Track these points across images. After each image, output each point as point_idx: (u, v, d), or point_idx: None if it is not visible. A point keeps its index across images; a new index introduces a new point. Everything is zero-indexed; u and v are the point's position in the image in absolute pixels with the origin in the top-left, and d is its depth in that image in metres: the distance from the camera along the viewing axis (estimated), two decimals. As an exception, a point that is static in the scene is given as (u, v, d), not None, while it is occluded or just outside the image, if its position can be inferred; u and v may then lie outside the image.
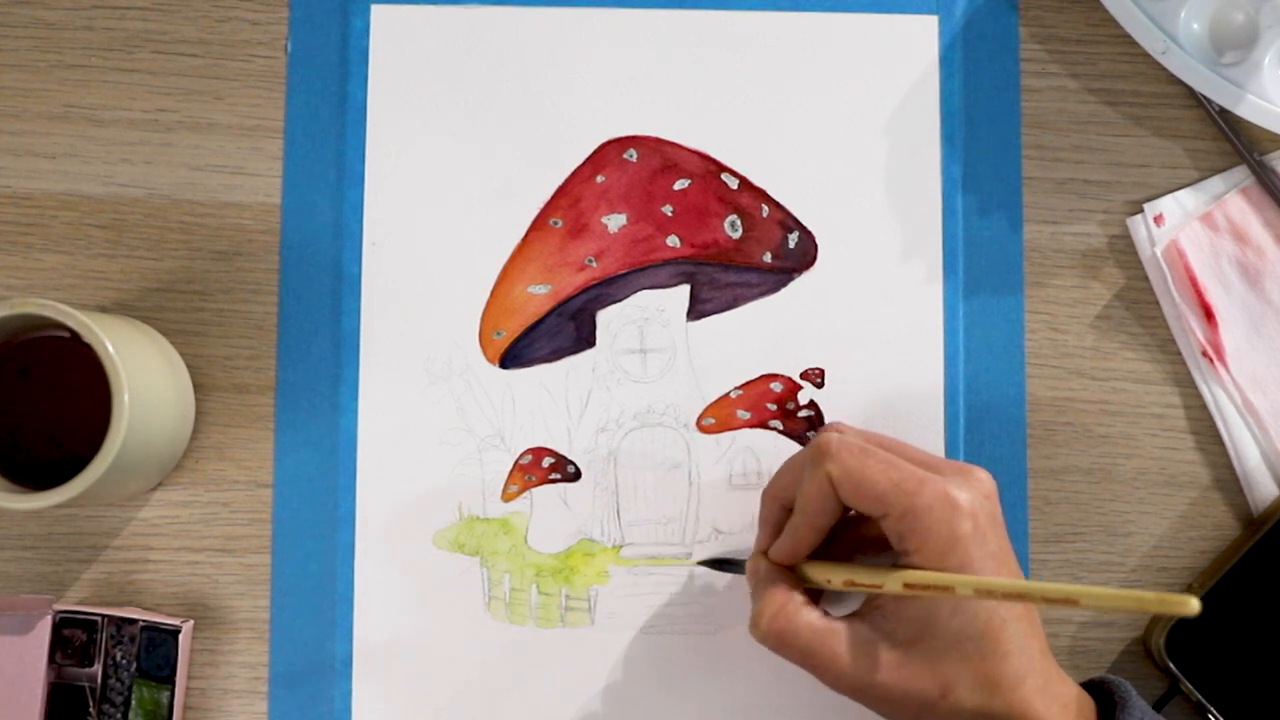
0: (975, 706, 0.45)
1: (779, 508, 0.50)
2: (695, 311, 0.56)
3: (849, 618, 0.48)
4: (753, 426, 0.55)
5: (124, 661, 0.53)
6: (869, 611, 0.47)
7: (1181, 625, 0.53)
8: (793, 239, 0.56)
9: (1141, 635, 0.55)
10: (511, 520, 0.55)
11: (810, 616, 0.47)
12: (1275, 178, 0.56)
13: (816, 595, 0.49)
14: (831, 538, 0.49)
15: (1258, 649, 0.53)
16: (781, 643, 0.47)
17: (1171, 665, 0.52)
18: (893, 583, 0.46)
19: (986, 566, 0.45)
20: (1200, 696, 0.52)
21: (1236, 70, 0.55)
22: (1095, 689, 0.48)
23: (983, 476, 0.47)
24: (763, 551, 0.50)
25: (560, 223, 0.56)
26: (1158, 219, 0.56)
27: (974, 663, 0.45)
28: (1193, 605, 0.39)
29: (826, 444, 0.47)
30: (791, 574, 0.49)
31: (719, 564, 0.54)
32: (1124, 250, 0.56)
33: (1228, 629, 0.53)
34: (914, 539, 0.45)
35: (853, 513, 0.48)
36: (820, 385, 0.55)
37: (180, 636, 0.53)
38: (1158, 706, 0.54)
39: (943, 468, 0.47)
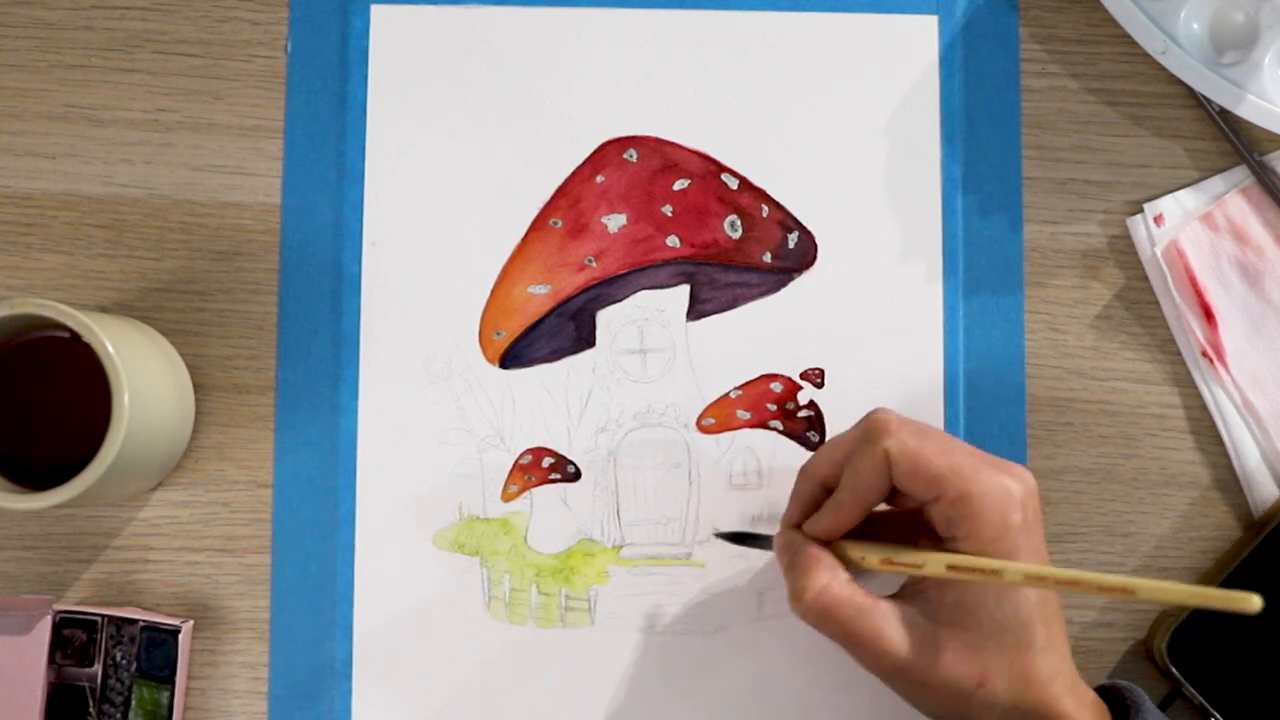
0: (1009, 699, 0.45)
1: (818, 485, 0.49)
2: (695, 311, 0.56)
3: (891, 598, 0.47)
4: (753, 426, 0.55)
5: (124, 661, 0.53)
6: (911, 595, 0.47)
7: (1184, 628, 0.53)
8: (793, 239, 0.56)
9: (1144, 637, 0.55)
10: (511, 520, 0.55)
11: (854, 593, 0.47)
12: (1275, 178, 0.56)
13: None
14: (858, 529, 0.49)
15: (1259, 652, 0.53)
16: (825, 618, 0.47)
17: (1173, 668, 0.52)
18: (935, 564, 0.45)
19: (1030, 559, 0.45)
20: (1202, 699, 0.52)
21: (1236, 70, 0.54)
22: (1107, 694, 0.48)
23: (1027, 474, 0.47)
24: (793, 526, 0.50)
25: (560, 223, 0.56)
26: (1158, 219, 0.56)
27: (1012, 655, 0.45)
28: (1255, 602, 0.39)
29: (886, 421, 0.46)
30: (829, 550, 0.48)
31: (740, 538, 0.53)
32: (1124, 250, 0.56)
33: (1229, 632, 0.53)
34: (966, 525, 0.45)
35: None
36: (820, 385, 0.55)
37: (180, 636, 0.53)
38: (1160, 709, 0.53)
39: (991, 460, 0.47)
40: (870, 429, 0.47)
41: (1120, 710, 0.47)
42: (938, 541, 0.47)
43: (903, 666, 0.46)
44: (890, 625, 0.46)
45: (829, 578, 0.47)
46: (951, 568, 0.45)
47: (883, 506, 0.49)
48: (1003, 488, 0.45)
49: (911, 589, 0.47)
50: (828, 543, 0.48)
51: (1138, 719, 0.46)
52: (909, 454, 0.46)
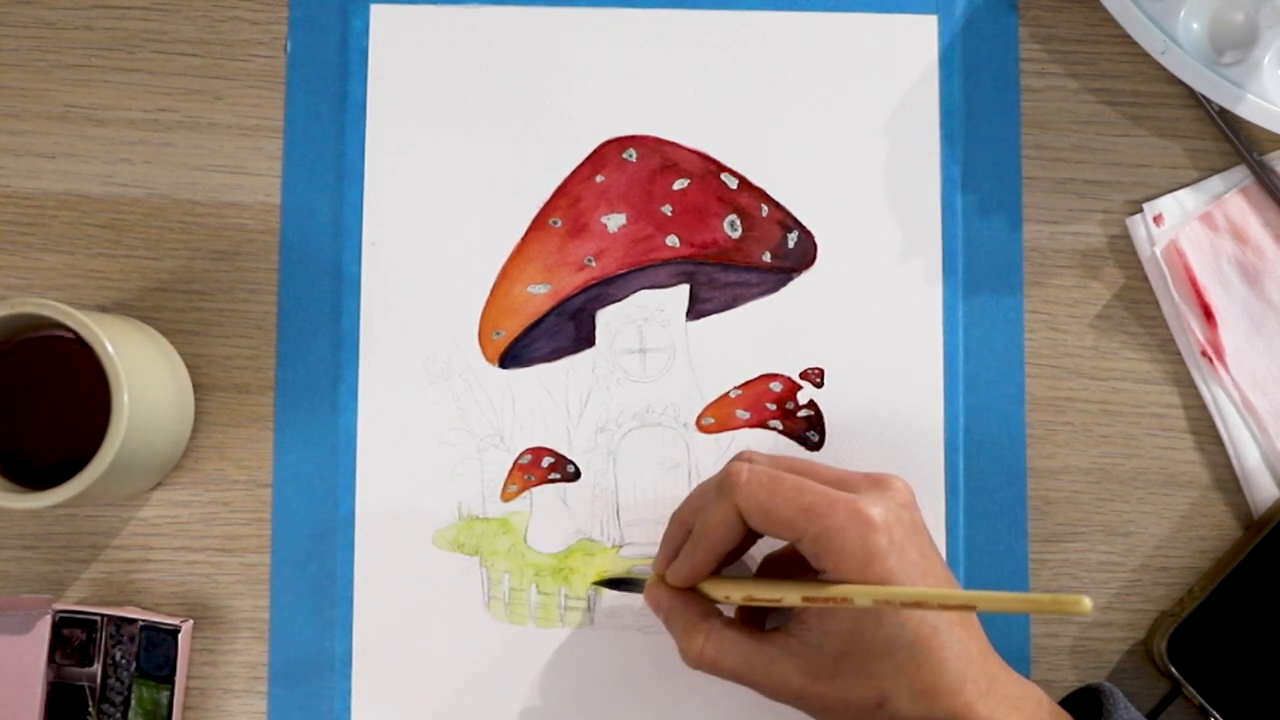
0: (914, 716, 0.45)
1: (684, 532, 0.50)
2: (695, 311, 0.56)
3: (776, 632, 0.48)
4: (752, 426, 0.55)
5: (123, 661, 0.53)
6: (795, 626, 0.47)
7: (1183, 628, 0.53)
8: (792, 239, 0.56)
9: (1143, 638, 0.55)
10: (511, 520, 0.55)
11: (735, 637, 0.48)
12: (1275, 178, 0.56)
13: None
14: (762, 568, 0.50)
15: (1259, 652, 0.53)
16: (716, 670, 0.48)
17: (1173, 669, 0.52)
18: (791, 596, 0.46)
19: (909, 576, 0.45)
20: (1202, 700, 0.52)
21: (1236, 70, 0.55)
22: (1086, 694, 0.48)
23: (899, 486, 0.47)
24: (660, 576, 0.51)
25: (560, 222, 0.56)
26: (1157, 219, 0.56)
27: (908, 672, 0.45)
28: (1085, 605, 0.39)
29: (736, 475, 0.47)
30: (696, 595, 0.49)
31: (617, 584, 0.54)
32: (1124, 250, 0.56)
33: (1229, 632, 0.53)
34: (830, 559, 0.45)
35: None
36: (820, 385, 0.55)
37: (180, 636, 0.53)
38: (1159, 709, 0.53)
39: (856, 483, 0.47)
40: (723, 482, 0.47)
41: (1094, 710, 0.47)
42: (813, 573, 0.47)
43: (801, 694, 0.46)
44: (779, 662, 0.47)
45: (706, 629, 0.48)
46: (806, 598, 0.45)
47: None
48: (859, 516, 0.45)
49: (797, 620, 0.47)
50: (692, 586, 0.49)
51: (1108, 717, 0.46)
52: (758, 507, 0.46)
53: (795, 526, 0.46)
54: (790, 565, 0.51)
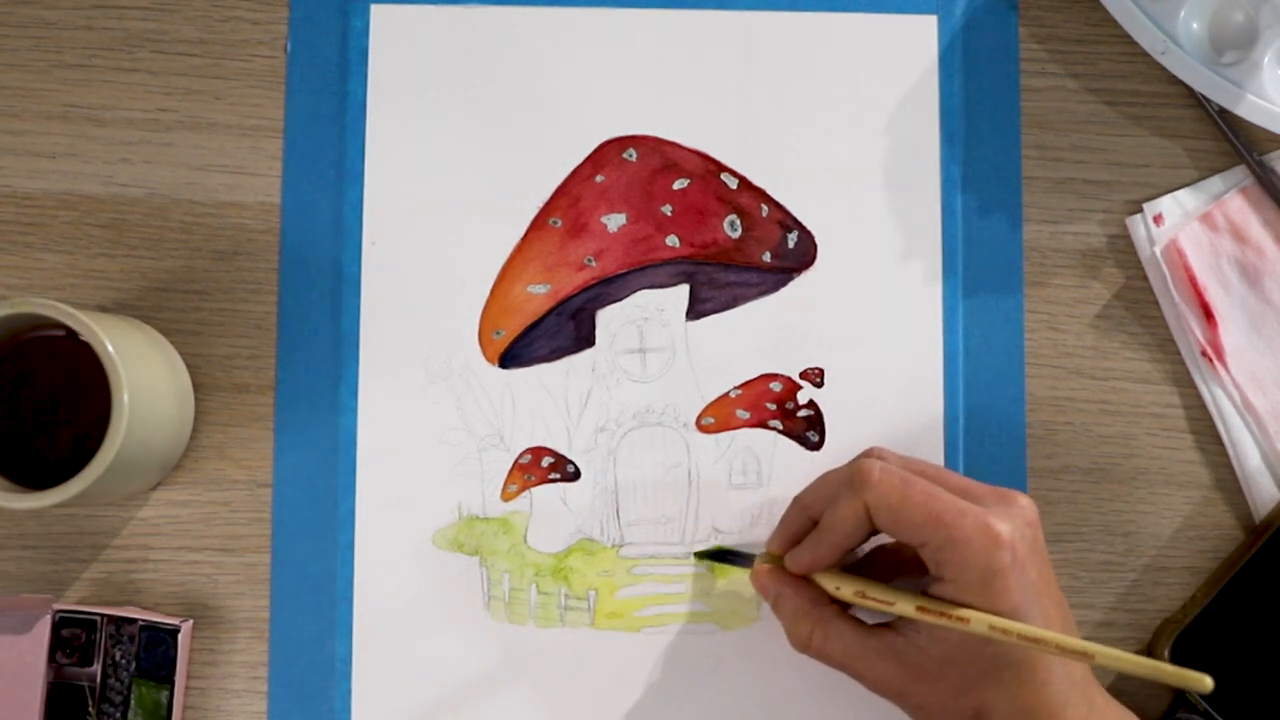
0: None
1: (806, 518, 0.50)
2: (695, 311, 0.56)
3: (884, 628, 0.48)
4: (752, 426, 0.55)
5: (123, 661, 0.53)
6: (905, 625, 0.47)
7: (1187, 634, 0.53)
8: (792, 239, 0.56)
9: (1147, 644, 0.55)
10: (511, 520, 0.55)
11: (844, 628, 0.48)
12: (1275, 177, 0.56)
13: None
14: (871, 558, 0.50)
15: (1263, 657, 0.53)
16: (822, 655, 0.48)
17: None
18: (905, 604, 0.46)
19: (1026, 598, 0.45)
20: (1207, 706, 0.52)
21: (1236, 70, 0.55)
22: None
23: (1025, 504, 0.47)
24: (773, 555, 0.50)
25: (560, 222, 0.56)
26: (1157, 219, 0.56)
27: (1011, 689, 0.45)
28: (1207, 683, 0.39)
29: (868, 472, 0.47)
30: (806, 580, 0.49)
31: (721, 556, 0.54)
32: (1124, 250, 0.56)
33: (1232, 637, 0.53)
34: (951, 569, 0.45)
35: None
36: (820, 385, 0.55)
37: (180, 636, 0.53)
38: (1164, 717, 0.53)
39: (984, 496, 0.47)
40: (854, 476, 0.47)
41: None
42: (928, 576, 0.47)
43: (900, 692, 0.47)
44: (884, 658, 0.47)
45: (817, 617, 0.48)
46: (921, 609, 0.45)
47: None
48: (987, 531, 0.45)
49: (907, 620, 0.47)
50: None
51: None
52: (889, 507, 0.46)
53: (922, 533, 0.45)
54: (900, 560, 0.51)
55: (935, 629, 0.46)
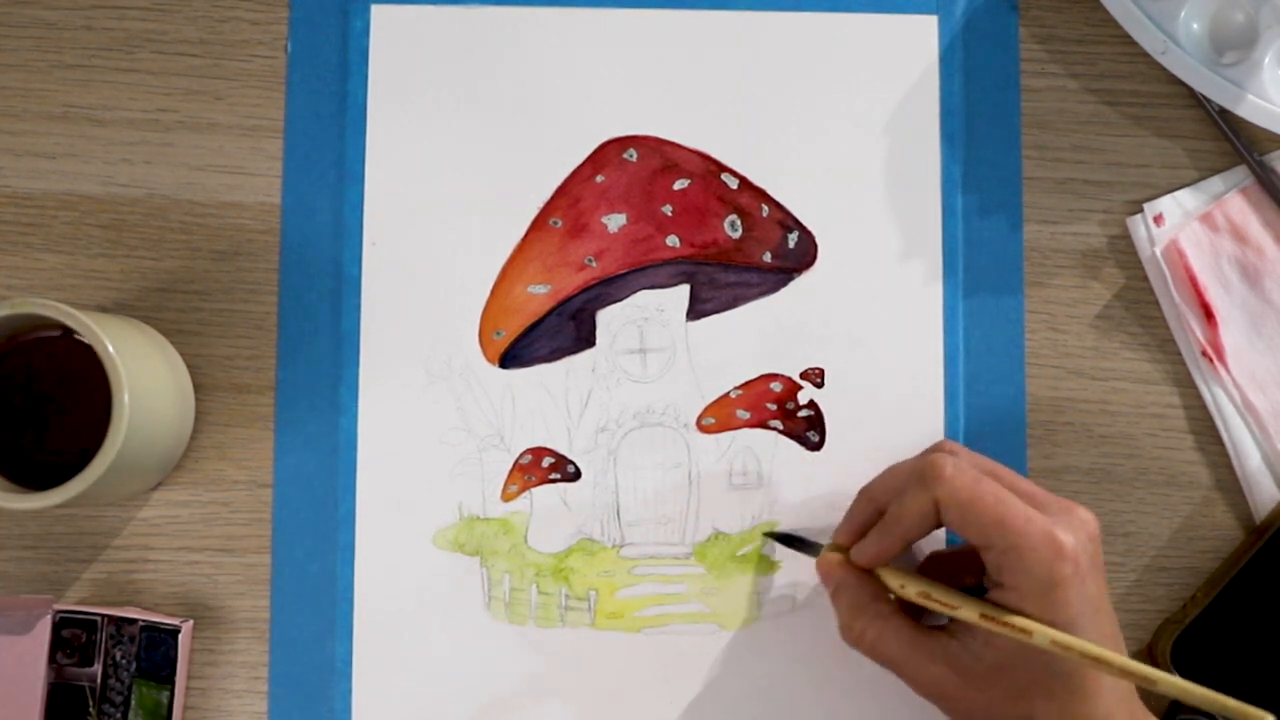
0: None
1: (873, 510, 0.50)
2: (695, 311, 0.56)
3: (939, 631, 0.48)
4: (753, 426, 0.55)
5: (124, 661, 0.53)
6: (959, 629, 0.47)
7: (1187, 634, 0.53)
8: (792, 239, 0.56)
9: (1148, 644, 0.55)
10: (511, 520, 0.55)
11: (899, 626, 0.48)
12: (1275, 178, 0.56)
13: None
14: (935, 559, 0.50)
15: (1263, 658, 0.53)
16: (874, 652, 0.48)
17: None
18: (968, 610, 0.46)
19: (1084, 612, 0.45)
20: None
21: (1236, 70, 0.55)
22: None
23: (1087, 517, 0.47)
24: (839, 546, 0.50)
25: (560, 222, 0.56)
26: (1157, 219, 0.56)
27: (1060, 700, 0.45)
28: None
29: (941, 467, 0.46)
30: (871, 576, 0.49)
31: (790, 540, 0.54)
32: (1124, 250, 0.56)
33: (1233, 637, 0.53)
34: (1013, 576, 0.45)
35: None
36: (820, 385, 0.55)
37: (180, 636, 0.53)
38: (1165, 718, 0.53)
39: (1048, 504, 0.47)
40: (925, 471, 0.47)
41: None
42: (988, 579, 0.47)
43: (948, 696, 0.47)
44: (936, 661, 0.47)
45: (874, 612, 0.48)
46: (984, 617, 0.45)
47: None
48: (1052, 541, 0.45)
49: (962, 624, 0.47)
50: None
51: None
52: (959, 505, 0.46)
53: (987, 534, 0.45)
54: (955, 566, 0.51)
55: (990, 635, 0.46)
